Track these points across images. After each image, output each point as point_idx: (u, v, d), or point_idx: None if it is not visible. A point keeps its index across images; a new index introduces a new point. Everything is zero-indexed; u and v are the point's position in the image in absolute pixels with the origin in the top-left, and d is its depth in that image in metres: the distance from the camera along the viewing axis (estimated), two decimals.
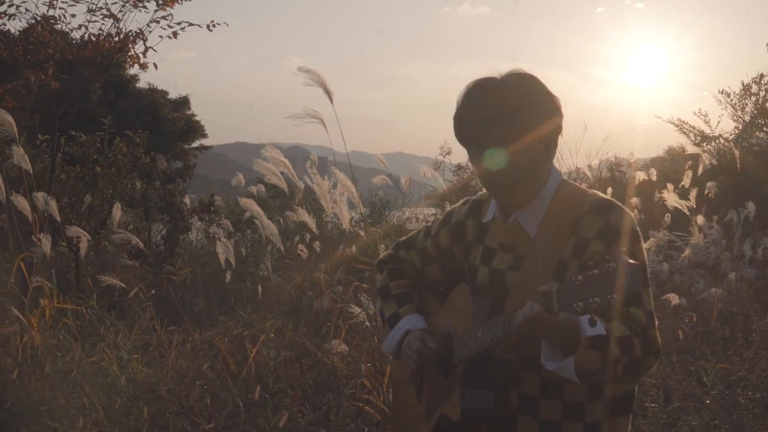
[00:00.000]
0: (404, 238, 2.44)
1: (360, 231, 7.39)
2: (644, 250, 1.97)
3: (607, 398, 1.97)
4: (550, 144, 2.00)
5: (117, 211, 7.01)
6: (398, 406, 2.44)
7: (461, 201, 2.29)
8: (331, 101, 4.73)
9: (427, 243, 2.32)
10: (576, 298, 1.62)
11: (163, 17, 7.15)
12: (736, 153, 9.60)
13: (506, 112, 1.92)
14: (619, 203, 2.00)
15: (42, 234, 6.05)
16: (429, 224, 2.37)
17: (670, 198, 7.69)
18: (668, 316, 6.05)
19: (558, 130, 2.00)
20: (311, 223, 5.68)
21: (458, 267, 2.22)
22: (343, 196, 5.23)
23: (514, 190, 1.99)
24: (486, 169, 1.97)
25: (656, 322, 1.91)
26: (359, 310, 4.52)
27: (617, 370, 1.81)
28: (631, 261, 1.58)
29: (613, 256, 1.60)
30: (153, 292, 7.35)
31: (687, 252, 7.23)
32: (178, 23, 7.17)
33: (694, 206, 8.03)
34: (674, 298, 5.68)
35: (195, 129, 29.66)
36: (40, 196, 6.18)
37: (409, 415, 2.29)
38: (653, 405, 3.69)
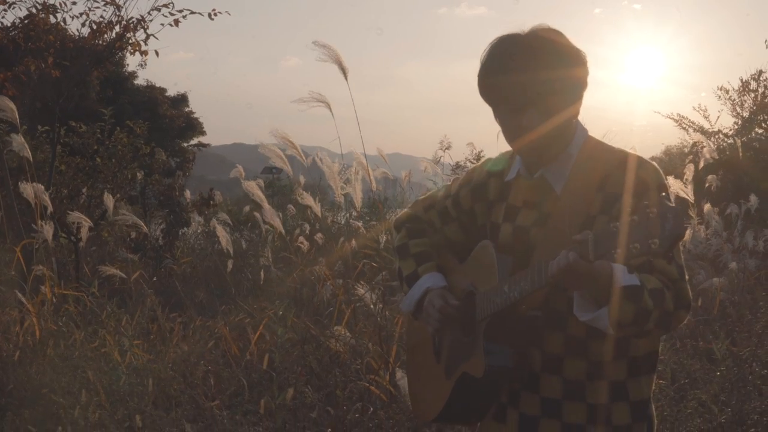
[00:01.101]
0: (423, 196, 2.39)
1: (359, 224, 7.38)
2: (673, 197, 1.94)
3: (631, 357, 1.95)
4: (577, 98, 1.97)
5: (109, 201, 6.98)
6: (414, 369, 2.40)
7: (482, 160, 2.27)
8: (346, 78, 4.70)
9: (447, 202, 2.27)
10: (614, 245, 1.57)
11: (165, 5, 7.13)
12: (738, 144, 9.60)
13: (536, 70, 1.88)
14: (646, 159, 1.97)
15: (44, 221, 6.03)
16: (449, 183, 2.34)
17: (674, 185, 7.68)
18: None
19: (584, 84, 1.97)
20: (316, 207, 5.65)
21: (479, 227, 2.18)
22: (358, 175, 5.21)
23: (543, 146, 1.96)
24: (517, 127, 1.94)
25: (687, 276, 1.88)
26: (363, 291, 4.50)
27: (650, 323, 1.77)
28: (674, 205, 1.52)
29: (657, 203, 1.55)
30: (155, 279, 7.33)
31: (687, 236, 7.19)
32: (180, 11, 7.15)
33: (693, 200, 8.04)
34: None
35: (193, 126, 29.64)
36: (36, 186, 6.16)
37: (427, 376, 2.25)
38: (661, 381, 3.67)
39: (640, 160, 1.95)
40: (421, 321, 2.21)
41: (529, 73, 1.88)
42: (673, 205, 1.52)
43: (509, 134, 1.99)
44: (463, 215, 2.23)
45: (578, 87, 1.96)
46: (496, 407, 2.06)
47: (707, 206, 8.27)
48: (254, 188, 5.53)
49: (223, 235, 6.24)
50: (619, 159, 1.95)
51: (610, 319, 1.74)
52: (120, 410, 3.76)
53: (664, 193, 1.85)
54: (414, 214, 2.36)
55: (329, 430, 3.74)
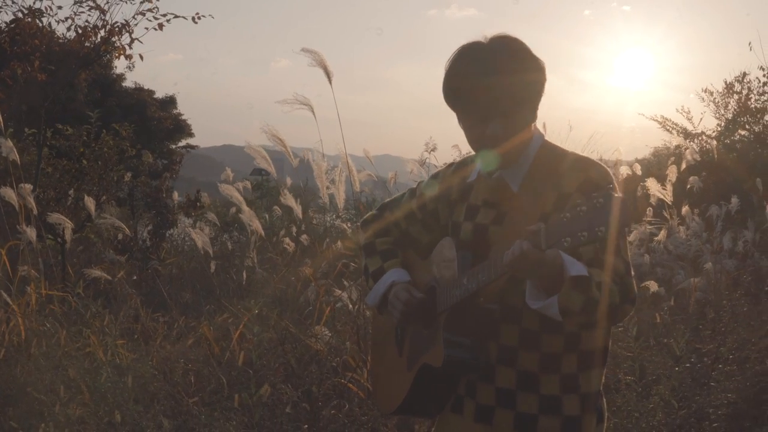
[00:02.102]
0: (389, 199, 2.51)
1: (346, 225, 7.45)
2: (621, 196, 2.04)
3: (581, 351, 2.06)
4: (536, 104, 2.09)
5: (90, 203, 7.04)
6: (378, 363, 2.50)
7: (447, 164, 2.39)
8: (330, 82, 4.85)
9: (412, 203, 2.38)
10: (564, 235, 1.66)
11: (149, 9, 7.23)
12: (714, 146, 9.73)
13: (498, 77, 1.98)
14: (597, 161, 2.08)
15: (28, 224, 6.09)
16: (414, 186, 2.45)
17: (653, 187, 7.80)
18: (648, 306, 6.15)
19: (543, 90, 2.08)
20: (297, 207, 5.75)
21: (442, 226, 2.29)
22: (342, 175, 5.31)
23: (505, 152, 2.06)
24: (480, 136, 2.05)
25: (632, 272, 1.99)
26: (340, 292, 4.59)
27: (597, 314, 1.87)
28: (617, 195, 1.61)
29: (601, 193, 1.64)
30: (135, 277, 7.39)
31: (661, 235, 7.33)
32: (164, 15, 7.24)
33: (672, 200, 8.14)
34: (653, 286, 5.79)
35: (182, 128, 29.66)
36: (24, 187, 6.22)
37: (390, 369, 2.34)
38: (628, 378, 3.79)
39: (591, 162, 2.07)
40: (386, 314, 2.32)
41: (492, 79, 1.98)
42: (618, 195, 1.62)
43: (474, 142, 2.10)
44: (428, 216, 2.34)
45: (538, 93, 2.08)
46: (454, 399, 2.16)
47: (685, 208, 8.40)
48: (233, 191, 5.63)
49: (198, 237, 6.31)
50: (572, 161, 2.06)
51: (560, 307, 1.84)
52: (101, 407, 3.85)
53: (611, 185, 1.98)
54: (380, 215, 2.47)
55: (305, 426, 3.84)
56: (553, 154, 2.11)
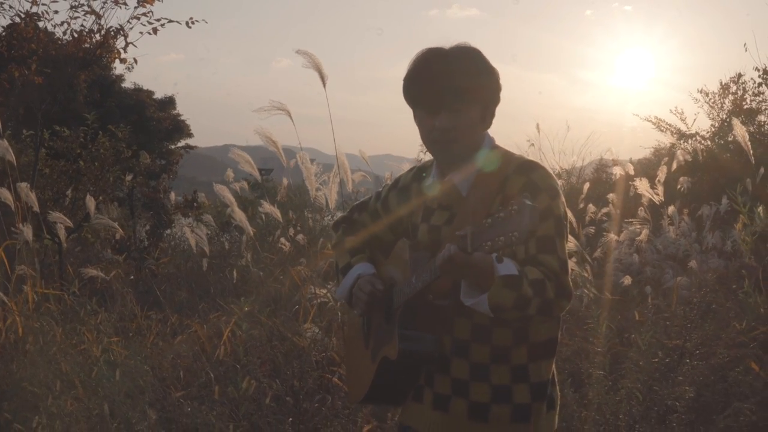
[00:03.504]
0: (358, 201, 2.67)
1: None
2: (563, 205, 2.18)
3: (531, 343, 2.19)
4: (488, 111, 2.24)
5: (91, 202, 7.17)
6: (349, 355, 2.66)
7: (408, 168, 2.55)
8: (324, 85, 4.99)
9: (377, 205, 2.55)
10: (486, 239, 1.81)
11: (144, 14, 7.37)
12: (702, 147, 9.84)
13: (454, 79, 2.15)
14: (541, 164, 2.22)
15: (24, 223, 6.22)
16: (380, 189, 2.60)
17: (642, 186, 7.92)
18: (636, 305, 6.27)
19: (496, 100, 2.25)
20: (277, 213, 5.88)
21: (404, 227, 2.44)
22: (336, 177, 5.44)
23: (452, 149, 2.21)
24: (430, 128, 2.20)
25: (570, 270, 2.12)
26: (324, 291, 4.73)
27: (531, 309, 1.99)
28: (530, 203, 1.76)
29: (516, 201, 1.79)
30: (132, 277, 7.52)
31: (643, 235, 7.46)
32: (158, 20, 7.38)
33: (663, 199, 8.26)
34: (627, 279, 5.94)
35: (181, 129, 29.78)
36: (22, 186, 6.35)
37: (358, 360, 2.48)
38: (600, 372, 3.93)
39: (535, 165, 2.20)
40: (354, 307, 2.45)
41: (444, 79, 2.15)
42: (530, 203, 1.76)
43: (425, 136, 2.25)
44: (391, 217, 2.50)
45: (490, 98, 2.23)
46: (416, 389, 2.29)
47: (671, 208, 8.52)
48: (225, 191, 5.77)
49: (191, 236, 6.43)
50: (517, 164, 2.20)
51: (489, 304, 1.97)
52: (92, 400, 3.99)
53: (552, 195, 2.13)
54: (349, 217, 2.64)
55: (290, 419, 3.98)
56: (501, 159, 2.25)
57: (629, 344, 4.88)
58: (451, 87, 2.15)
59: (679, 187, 9.82)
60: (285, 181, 11.33)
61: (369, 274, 2.41)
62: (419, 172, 2.46)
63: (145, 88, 29.73)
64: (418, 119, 2.25)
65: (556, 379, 2.32)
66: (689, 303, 6.22)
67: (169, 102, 30.14)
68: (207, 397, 4.13)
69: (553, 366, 2.29)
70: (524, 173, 2.15)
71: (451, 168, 2.26)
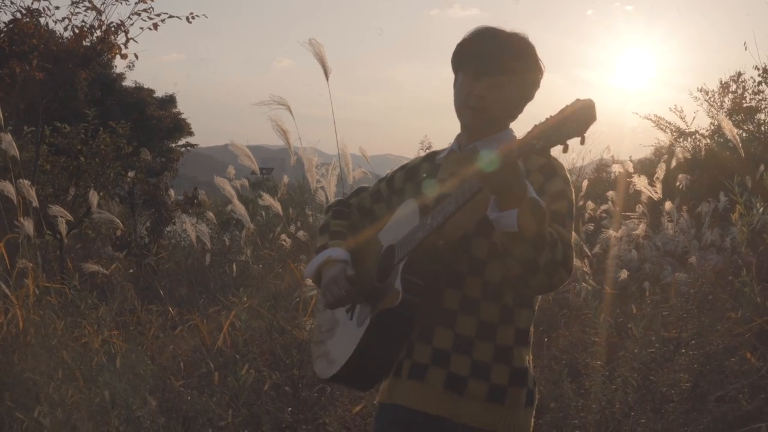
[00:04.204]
0: (358, 186, 2.67)
1: None
2: (573, 192, 2.23)
3: (516, 327, 2.20)
4: (522, 100, 2.31)
5: (94, 197, 7.21)
6: (322, 331, 2.52)
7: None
8: (327, 78, 5.03)
9: (380, 185, 2.55)
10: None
11: (144, 10, 7.40)
12: (704, 144, 9.87)
13: (508, 52, 2.23)
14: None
15: (25, 218, 6.25)
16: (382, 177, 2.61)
17: (640, 183, 7.95)
18: (635, 300, 6.31)
19: (531, 95, 2.32)
20: (277, 206, 5.92)
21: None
22: (336, 170, 5.47)
23: (482, 117, 2.25)
24: (468, 93, 2.24)
25: (573, 252, 2.12)
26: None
27: (542, 258, 1.96)
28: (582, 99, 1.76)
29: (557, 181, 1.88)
30: (131, 271, 7.56)
31: (640, 230, 7.49)
32: (158, 15, 7.42)
33: (661, 196, 8.29)
34: (623, 273, 5.99)
35: (181, 127, 29.84)
36: (23, 182, 6.38)
37: (335, 333, 2.40)
38: (597, 363, 3.96)
39: (554, 157, 2.25)
40: (320, 289, 2.41)
41: (499, 48, 2.23)
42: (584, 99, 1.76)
43: (461, 98, 2.28)
44: (394, 195, 2.50)
45: (527, 89, 2.31)
46: (397, 364, 2.25)
47: (668, 204, 8.56)
48: (225, 184, 5.80)
49: (192, 231, 6.47)
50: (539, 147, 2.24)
51: (518, 221, 1.92)
52: (93, 389, 4.02)
53: (566, 182, 2.20)
54: (343, 200, 2.64)
55: (289, 408, 4.01)
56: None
57: (626, 337, 4.92)
58: (502, 58, 2.22)
59: (678, 184, 9.86)
60: (286, 179, 11.38)
61: (340, 258, 2.37)
62: (430, 155, 2.49)
63: (145, 86, 29.80)
64: (459, 83, 2.29)
65: (536, 379, 2.31)
66: (686, 295, 6.27)
67: (169, 100, 30.19)
68: (207, 387, 4.16)
69: (531, 363, 2.29)
70: (545, 156, 2.18)
71: (479, 135, 2.29)
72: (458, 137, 2.40)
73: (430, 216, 2.11)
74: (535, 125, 1.83)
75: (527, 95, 2.31)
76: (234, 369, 4.19)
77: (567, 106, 1.76)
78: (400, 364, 2.26)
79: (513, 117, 2.33)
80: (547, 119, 1.80)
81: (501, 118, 2.30)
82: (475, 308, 2.19)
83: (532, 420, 2.28)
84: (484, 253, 2.19)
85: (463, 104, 2.28)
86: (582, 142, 1.80)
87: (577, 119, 1.74)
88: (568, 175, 2.25)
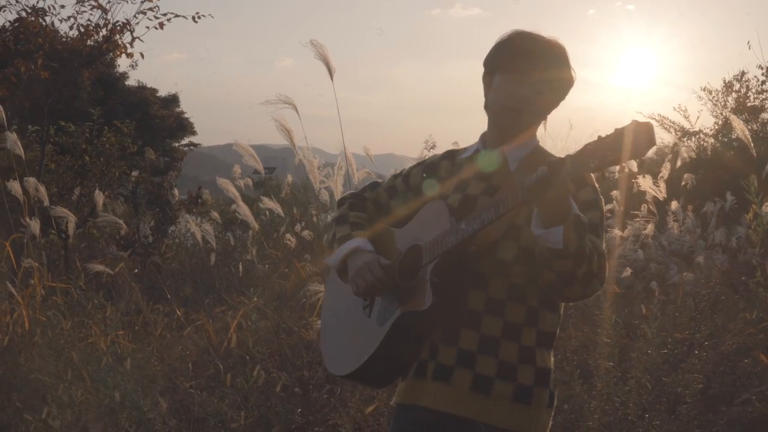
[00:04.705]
0: (370, 182, 2.63)
1: None
2: (603, 201, 2.23)
3: (539, 329, 2.19)
4: (557, 102, 2.31)
5: (99, 197, 7.18)
6: (336, 327, 2.50)
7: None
8: (332, 77, 5.00)
9: (396, 181, 2.51)
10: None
11: (150, 9, 7.38)
12: (709, 144, 9.85)
13: (552, 55, 2.24)
14: None
15: (31, 218, 6.24)
16: (397, 173, 2.57)
17: (644, 183, 7.93)
18: (641, 300, 6.29)
19: (558, 101, 2.31)
20: (278, 209, 5.90)
21: (423, 202, 2.37)
22: (342, 170, 5.45)
23: (520, 119, 2.25)
24: (508, 95, 2.23)
25: (607, 261, 2.12)
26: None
27: (581, 268, 1.99)
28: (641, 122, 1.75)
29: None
30: (136, 270, 7.55)
31: (648, 229, 7.47)
32: (164, 14, 7.39)
33: (665, 196, 8.27)
34: (627, 271, 5.97)
35: (184, 126, 29.84)
36: (29, 180, 6.37)
37: (352, 330, 2.37)
38: (609, 364, 3.93)
39: None
40: (345, 279, 2.37)
41: (544, 51, 2.24)
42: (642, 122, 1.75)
43: (500, 99, 2.26)
44: (410, 192, 2.46)
45: (562, 95, 2.31)
46: (417, 365, 2.23)
47: (674, 203, 8.54)
48: (229, 185, 5.78)
49: (197, 230, 6.45)
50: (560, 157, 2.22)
51: (564, 236, 1.94)
52: (102, 389, 4.00)
53: (596, 191, 2.21)
54: (358, 193, 2.59)
55: (299, 409, 3.99)
56: (546, 152, 2.32)
57: (636, 337, 4.90)
58: (545, 63, 2.22)
59: (683, 183, 9.84)
60: (290, 178, 11.35)
61: (368, 250, 2.34)
62: (449, 153, 2.46)
63: (149, 86, 29.80)
64: (497, 84, 2.27)
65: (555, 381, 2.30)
66: (697, 296, 6.24)
67: (172, 100, 30.16)
68: (216, 388, 4.14)
69: (552, 357, 2.28)
70: None
71: (507, 138, 2.28)
72: (483, 136, 2.37)
73: (465, 222, 2.10)
74: (587, 144, 1.81)
75: (558, 102, 2.31)
76: (243, 370, 4.16)
77: (624, 127, 1.75)
78: (423, 365, 2.23)
79: (545, 118, 2.33)
80: (600, 138, 1.79)
81: (535, 123, 2.30)
82: (501, 309, 2.17)
83: (551, 421, 2.27)
84: (511, 256, 2.18)
85: (503, 105, 2.26)
86: (639, 165, 1.81)
87: (635, 141, 1.73)
88: (596, 184, 2.24)
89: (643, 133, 1.72)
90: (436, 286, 2.11)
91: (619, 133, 1.75)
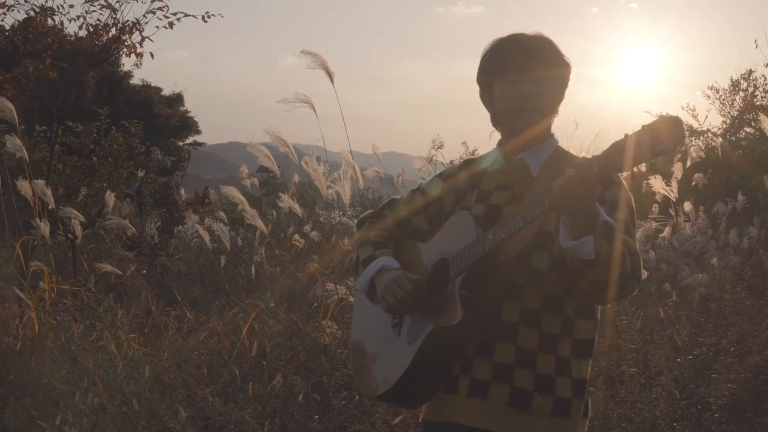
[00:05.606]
0: (390, 199, 2.57)
1: (351, 221, 7.53)
2: (632, 198, 2.17)
3: (575, 338, 2.14)
4: (562, 92, 2.28)
5: (110, 199, 7.14)
6: (366, 347, 2.42)
7: (421, 165, 2.52)
8: (332, 81, 4.96)
9: (415, 196, 2.45)
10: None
11: (159, 8, 7.32)
12: (718, 144, 9.79)
13: (540, 48, 2.23)
14: None
15: (41, 219, 6.20)
16: (415, 188, 2.52)
17: (656, 184, 7.88)
18: (653, 301, 6.23)
19: (567, 81, 2.29)
20: (296, 207, 5.86)
21: (446, 215, 2.33)
22: (347, 174, 5.40)
23: (533, 117, 2.21)
24: (514, 97, 2.20)
25: (641, 259, 2.08)
26: (339, 287, 4.69)
27: (614, 274, 1.95)
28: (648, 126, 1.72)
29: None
30: (144, 272, 7.50)
31: (666, 232, 7.41)
32: (174, 14, 7.34)
33: (677, 197, 8.22)
34: (643, 274, 5.86)
35: (189, 125, 29.82)
36: (37, 182, 6.33)
37: (382, 351, 2.32)
38: (632, 369, 3.86)
39: None
40: (375, 300, 2.32)
41: (538, 48, 2.23)
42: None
43: (508, 103, 2.23)
44: (431, 206, 2.40)
45: (564, 84, 2.28)
46: (449, 380, 2.16)
47: (687, 204, 8.47)
48: (234, 191, 5.74)
49: (204, 231, 6.41)
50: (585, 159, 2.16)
51: (595, 246, 1.90)
52: (117, 396, 3.94)
53: (623, 188, 2.16)
54: (377, 213, 2.53)
55: (316, 416, 3.92)
56: (567, 154, 2.27)
57: (653, 341, 4.83)
58: (536, 56, 2.21)
59: (694, 183, 9.79)
60: (296, 177, 11.29)
61: (394, 267, 2.29)
62: (467, 163, 2.42)
63: (153, 84, 29.79)
64: (497, 92, 2.25)
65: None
66: (713, 300, 6.18)
67: (177, 99, 30.15)
68: (233, 395, 4.08)
69: (590, 367, 2.23)
70: None
71: (518, 148, 2.24)
72: (500, 144, 2.32)
73: (491, 231, 2.04)
74: (614, 143, 1.77)
75: (562, 92, 2.28)
76: (261, 376, 4.10)
77: (649, 124, 1.71)
78: (454, 380, 2.16)
79: (552, 116, 2.27)
80: (626, 136, 1.74)
81: (547, 118, 2.24)
82: (536, 320, 2.11)
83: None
84: (545, 266, 2.12)
85: (511, 108, 2.22)
86: (674, 159, 1.77)
87: (663, 137, 1.69)
88: (623, 181, 2.18)
89: (672, 128, 1.69)
90: (465, 299, 2.06)
91: (646, 130, 1.71)
